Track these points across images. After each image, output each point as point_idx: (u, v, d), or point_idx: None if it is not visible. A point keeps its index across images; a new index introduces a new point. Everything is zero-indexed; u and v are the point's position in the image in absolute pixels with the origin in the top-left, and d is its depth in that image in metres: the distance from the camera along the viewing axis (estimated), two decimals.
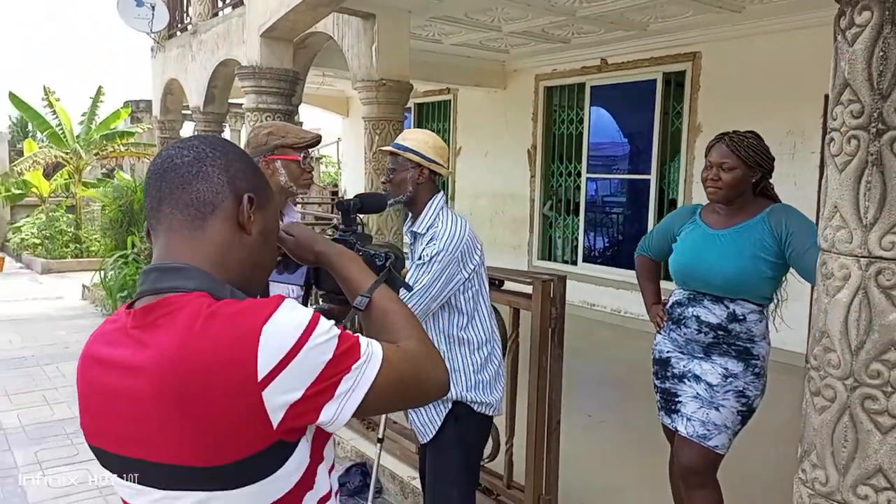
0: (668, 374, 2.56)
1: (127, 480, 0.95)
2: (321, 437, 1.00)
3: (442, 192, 2.45)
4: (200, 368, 0.86)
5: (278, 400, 0.87)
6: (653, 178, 6.88)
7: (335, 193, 11.63)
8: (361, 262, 1.20)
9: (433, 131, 9.49)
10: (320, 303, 1.34)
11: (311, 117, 13.70)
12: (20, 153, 13.98)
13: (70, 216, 12.93)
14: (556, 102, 7.96)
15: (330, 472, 1.05)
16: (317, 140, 2.41)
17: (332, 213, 8.96)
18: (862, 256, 1.69)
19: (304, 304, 1.25)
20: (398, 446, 3.52)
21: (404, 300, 2.17)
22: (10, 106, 13.01)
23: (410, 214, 2.45)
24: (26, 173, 12.70)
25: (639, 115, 7.09)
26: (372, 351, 0.96)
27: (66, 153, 12.97)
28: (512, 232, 8.40)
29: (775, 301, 2.54)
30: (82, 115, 13.59)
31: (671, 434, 2.56)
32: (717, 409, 2.40)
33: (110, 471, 0.98)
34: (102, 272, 8.08)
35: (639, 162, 7.20)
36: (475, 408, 2.37)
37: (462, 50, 7.74)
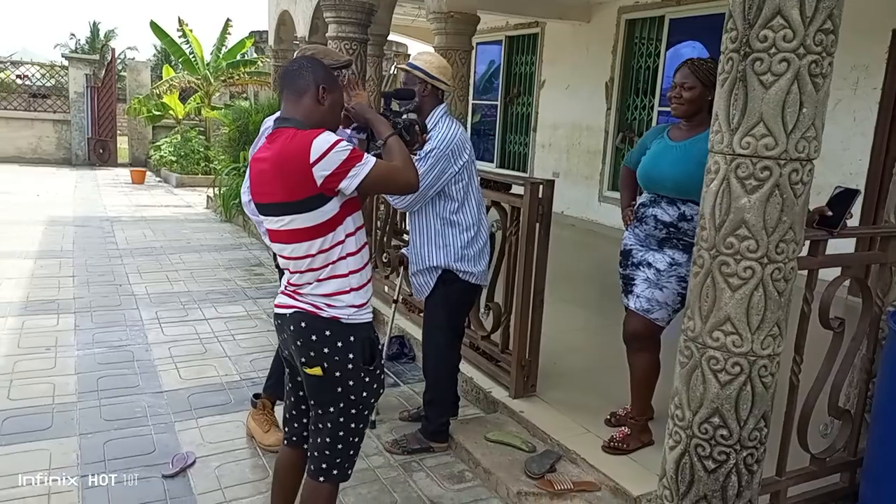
0: (629, 262, 3.06)
1: (263, 215, 2.04)
2: (349, 204, 2.00)
3: (444, 104, 3.05)
4: (287, 157, 1.90)
5: (319, 174, 1.88)
6: None
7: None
8: (389, 125, 2.21)
9: (521, 64, 9.90)
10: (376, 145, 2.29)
11: (417, 49, 14.30)
12: (161, 79, 15.59)
13: (202, 138, 14.44)
14: (637, 35, 8.10)
15: (357, 230, 2.05)
16: (348, 63, 3.07)
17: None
18: (728, 154, 2.16)
19: (368, 147, 2.14)
20: None
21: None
22: (154, 36, 14.55)
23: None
24: (164, 96, 14.24)
25: (714, 49, 7.16)
26: (369, 159, 1.95)
27: (198, 79, 14.40)
28: (586, 163, 8.74)
29: None
30: (213, 46, 14.96)
31: None
32: (661, 289, 2.90)
33: (259, 214, 2.06)
34: (218, 184, 9.27)
35: None
36: (461, 276, 3.02)
37: None
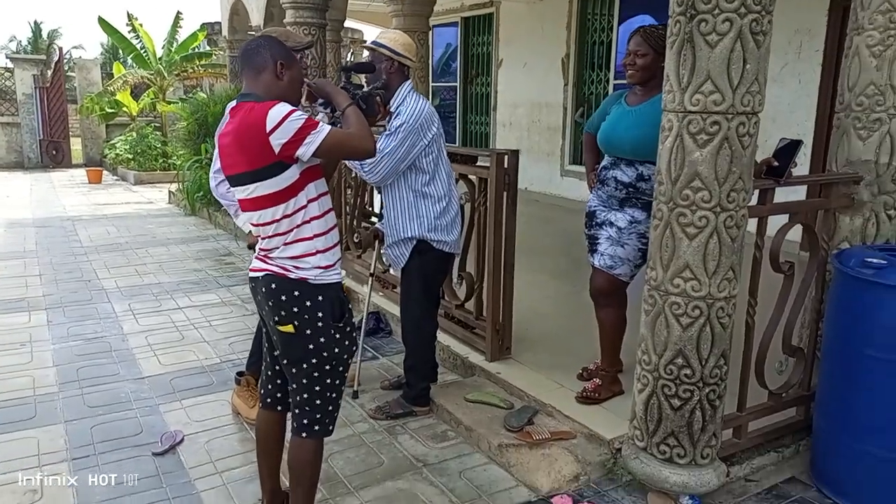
0: (593, 223, 3.20)
1: (233, 186, 2.16)
2: (309, 172, 2.11)
3: (410, 80, 3.14)
4: (246, 128, 2.03)
5: (275, 142, 1.99)
6: None
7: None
8: (347, 96, 2.31)
9: (478, 45, 10.00)
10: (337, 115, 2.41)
11: (372, 34, 14.29)
12: (111, 76, 15.26)
13: (158, 133, 14.21)
14: (590, 11, 8.26)
15: (320, 196, 2.17)
16: (309, 44, 3.15)
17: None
18: (680, 112, 2.31)
19: (333, 120, 2.36)
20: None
21: (376, 163, 2.91)
22: (100, 33, 14.22)
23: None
24: (117, 93, 13.96)
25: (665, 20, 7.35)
26: (324, 127, 2.05)
27: (151, 74, 14.15)
28: (546, 139, 8.91)
29: None
30: (164, 40, 14.70)
31: None
32: (622, 246, 3.05)
33: (230, 185, 2.19)
34: (181, 179, 9.18)
35: None
36: (434, 245, 3.13)
37: None
